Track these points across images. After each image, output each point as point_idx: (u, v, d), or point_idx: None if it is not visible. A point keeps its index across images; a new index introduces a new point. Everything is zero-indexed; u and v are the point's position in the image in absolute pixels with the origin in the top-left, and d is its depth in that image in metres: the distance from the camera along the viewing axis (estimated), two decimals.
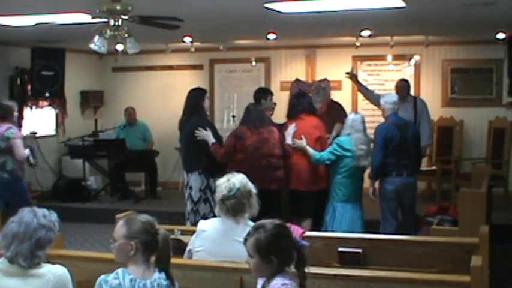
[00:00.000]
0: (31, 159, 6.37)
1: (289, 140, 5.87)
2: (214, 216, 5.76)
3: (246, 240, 2.68)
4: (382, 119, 7.79)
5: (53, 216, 2.87)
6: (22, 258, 2.71)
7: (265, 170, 5.59)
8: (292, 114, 6.18)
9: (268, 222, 2.68)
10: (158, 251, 2.79)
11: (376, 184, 5.99)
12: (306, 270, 2.64)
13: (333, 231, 5.68)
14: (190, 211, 5.96)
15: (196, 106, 6.04)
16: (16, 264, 2.73)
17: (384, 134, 5.76)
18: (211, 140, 5.80)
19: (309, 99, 6.34)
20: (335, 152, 5.82)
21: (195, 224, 5.84)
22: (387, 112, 5.88)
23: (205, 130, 5.87)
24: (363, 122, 5.94)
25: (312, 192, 6.01)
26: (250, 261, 2.65)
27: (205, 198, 5.95)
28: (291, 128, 5.92)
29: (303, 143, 5.93)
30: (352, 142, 5.80)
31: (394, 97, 6.08)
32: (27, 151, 6.23)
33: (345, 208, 5.85)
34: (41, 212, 2.83)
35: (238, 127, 5.92)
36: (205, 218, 5.83)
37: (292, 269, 2.65)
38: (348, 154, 5.79)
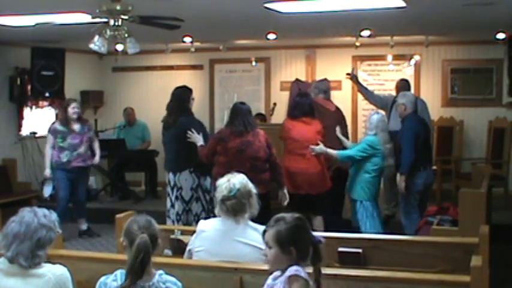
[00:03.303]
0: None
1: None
2: (207, 215, 5.81)
3: (265, 231, 2.70)
4: None
5: (53, 216, 2.86)
6: (23, 258, 2.71)
7: (250, 173, 5.00)
8: (296, 114, 6.07)
9: (288, 215, 2.72)
10: (129, 257, 2.68)
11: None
12: (321, 267, 2.67)
13: (362, 230, 5.87)
14: (182, 211, 5.87)
15: (183, 106, 5.95)
16: (16, 264, 2.73)
17: (414, 130, 6.00)
18: (200, 142, 5.72)
19: (312, 100, 6.26)
20: (366, 151, 5.88)
21: (187, 224, 5.80)
22: (409, 110, 6.13)
23: (197, 130, 5.79)
24: (385, 121, 6.20)
25: (320, 194, 6.03)
26: (269, 252, 2.68)
27: (196, 197, 5.88)
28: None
29: (322, 148, 5.93)
30: (381, 141, 5.96)
31: (412, 96, 6.54)
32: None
33: (374, 206, 5.99)
34: (41, 212, 2.83)
35: (222, 129, 5.73)
36: (197, 217, 5.80)
37: (308, 264, 2.68)
38: (378, 153, 5.93)
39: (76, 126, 7.12)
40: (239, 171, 5.26)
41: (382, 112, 6.51)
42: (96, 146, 7.43)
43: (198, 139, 5.74)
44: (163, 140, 6.18)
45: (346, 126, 6.79)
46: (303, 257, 2.66)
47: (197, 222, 5.74)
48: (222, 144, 5.47)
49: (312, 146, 5.92)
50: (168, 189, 6.03)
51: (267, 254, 2.69)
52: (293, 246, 2.63)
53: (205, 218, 5.83)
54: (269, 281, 2.76)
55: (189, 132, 5.75)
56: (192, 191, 5.88)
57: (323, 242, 2.70)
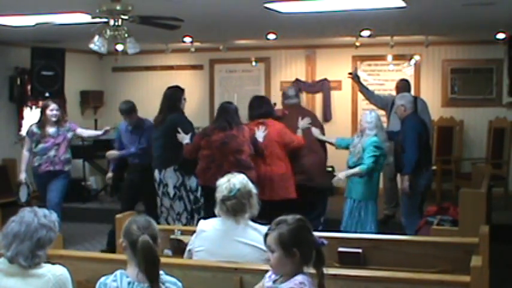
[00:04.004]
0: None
1: (260, 138, 5.70)
2: (189, 215, 5.79)
3: (267, 235, 2.67)
4: (382, 119, 7.83)
5: (53, 216, 2.86)
6: (23, 258, 2.71)
7: (234, 168, 5.01)
8: (251, 115, 5.93)
9: (289, 217, 2.69)
10: (137, 259, 2.68)
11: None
12: (325, 270, 2.64)
13: (366, 230, 5.73)
14: (169, 208, 5.91)
15: (174, 105, 5.96)
16: (16, 264, 2.73)
17: (417, 129, 6.00)
18: (186, 140, 5.73)
19: (269, 102, 6.14)
20: (375, 154, 5.69)
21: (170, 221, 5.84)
22: (408, 111, 6.13)
23: (186, 127, 5.80)
24: (381, 119, 6.06)
25: (282, 201, 5.75)
26: (271, 256, 2.65)
27: (179, 196, 5.87)
28: (262, 131, 5.73)
29: (347, 172, 5.68)
30: (382, 140, 5.83)
31: (410, 96, 6.60)
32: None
33: (376, 206, 5.90)
34: (42, 212, 2.83)
35: (207, 126, 5.84)
36: (179, 216, 5.84)
37: (311, 269, 2.65)
38: (383, 152, 5.82)
39: (51, 130, 6.60)
40: (221, 165, 5.32)
41: (376, 111, 6.41)
42: (89, 132, 7.23)
43: (185, 138, 5.76)
44: (152, 137, 6.17)
45: (314, 119, 6.45)
46: (307, 259, 2.62)
47: (178, 221, 5.81)
48: (206, 138, 5.54)
49: (337, 177, 5.67)
50: (156, 187, 6.04)
51: (270, 259, 2.66)
52: (296, 247, 2.59)
53: (186, 218, 5.85)
54: (268, 281, 2.74)
55: (178, 135, 5.77)
56: (175, 189, 5.88)
57: (326, 245, 2.67)
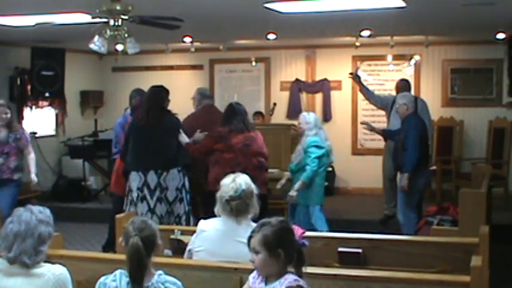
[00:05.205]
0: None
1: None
2: (188, 216, 5.66)
3: (250, 237, 2.70)
4: (382, 119, 7.84)
5: (47, 211, 2.89)
6: (26, 256, 2.72)
7: (257, 171, 5.02)
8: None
9: (272, 219, 2.73)
10: (127, 263, 2.71)
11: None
12: (304, 270, 2.67)
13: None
14: (165, 213, 5.50)
15: (163, 105, 5.69)
16: (17, 264, 2.73)
17: (419, 129, 6.09)
18: (187, 140, 5.56)
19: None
20: (318, 155, 5.63)
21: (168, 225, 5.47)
22: (410, 110, 6.22)
23: (182, 129, 5.66)
24: (319, 118, 6.01)
25: None
26: (256, 258, 2.66)
27: (180, 198, 5.57)
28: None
29: (295, 187, 5.62)
30: (322, 139, 5.76)
31: (411, 95, 6.82)
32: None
33: (322, 210, 5.84)
34: (36, 208, 2.85)
35: (218, 128, 5.49)
36: (179, 218, 5.55)
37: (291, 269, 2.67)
38: (324, 152, 5.71)
39: (1, 134, 6.05)
40: (246, 169, 4.99)
41: (312, 112, 6.31)
42: (30, 158, 6.24)
43: (185, 137, 5.58)
44: (141, 136, 5.63)
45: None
46: (290, 259, 2.66)
47: (178, 224, 5.48)
48: (223, 142, 5.36)
49: (289, 196, 5.65)
50: (144, 192, 5.50)
51: (254, 260, 2.68)
52: (281, 248, 2.63)
53: (186, 220, 5.57)
54: (254, 283, 2.75)
55: (180, 134, 5.61)
56: (177, 191, 5.54)
57: (307, 246, 2.71)
